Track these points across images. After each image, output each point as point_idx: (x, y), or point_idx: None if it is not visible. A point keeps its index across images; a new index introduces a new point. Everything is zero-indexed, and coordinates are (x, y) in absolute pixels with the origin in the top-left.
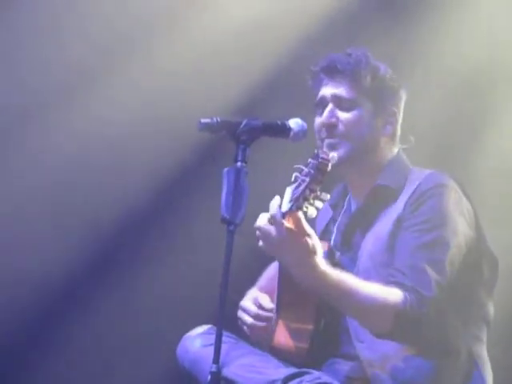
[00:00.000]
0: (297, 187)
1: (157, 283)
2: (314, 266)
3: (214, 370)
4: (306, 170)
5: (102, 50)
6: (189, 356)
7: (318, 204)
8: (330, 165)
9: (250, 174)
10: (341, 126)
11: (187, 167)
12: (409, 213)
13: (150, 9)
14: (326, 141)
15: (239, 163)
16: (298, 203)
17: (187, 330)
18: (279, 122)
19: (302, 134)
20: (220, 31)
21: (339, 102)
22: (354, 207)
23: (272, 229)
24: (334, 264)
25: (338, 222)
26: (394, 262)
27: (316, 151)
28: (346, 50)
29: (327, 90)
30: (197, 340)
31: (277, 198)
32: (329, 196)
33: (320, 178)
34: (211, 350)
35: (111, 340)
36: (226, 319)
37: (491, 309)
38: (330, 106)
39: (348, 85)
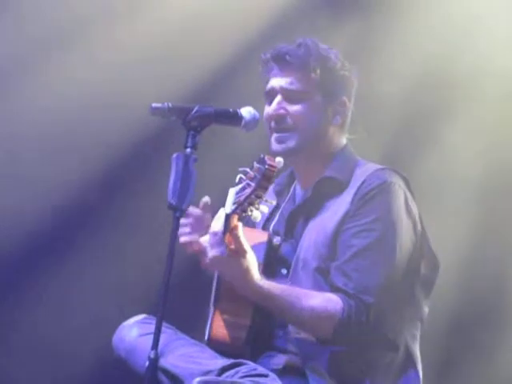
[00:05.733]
0: (241, 190)
1: (98, 269)
2: (251, 282)
3: (152, 355)
4: (251, 173)
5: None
6: (125, 345)
7: (263, 208)
8: (276, 171)
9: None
10: (289, 118)
11: (136, 152)
12: (355, 210)
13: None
14: (275, 134)
15: (188, 149)
16: (242, 207)
17: (126, 318)
18: (231, 110)
19: (254, 123)
20: (172, 19)
21: (288, 94)
22: (299, 196)
23: (210, 247)
24: (274, 250)
25: (281, 209)
26: (338, 258)
27: (262, 155)
28: (295, 40)
29: (276, 82)
30: (133, 329)
31: (220, 218)
32: (275, 202)
33: (266, 184)
34: (148, 339)
35: (48, 326)
36: (166, 308)
37: (426, 308)
38: (279, 97)
39: (297, 77)
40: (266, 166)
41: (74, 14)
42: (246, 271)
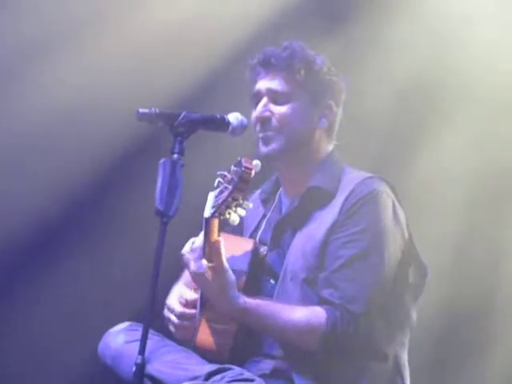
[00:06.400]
0: (219, 193)
1: (85, 275)
2: (228, 300)
3: (139, 361)
4: (228, 176)
5: (36, 40)
6: (111, 352)
7: (241, 211)
8: (253, 173)
9: (186, 167)
10: (274, 120)
11: (122, 158)
12: (343, 220)
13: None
14: (260, 135)
15: (176, 155)
16: (220, 210)
17: (113, 324)
18: (218, 116)
19: (241, 128)
20: (160, 24)
21: (274, 96)
22: (286, 205)
23: (191, 262)
24: (259, 260)
25: (267, 217)
26: (326, 268)
27: (239, 158)
28: (282, 44)
29: (262, 84)
30: (120, 336)
31: (201, 235)
32: (251, 205)
33: (243, 186)
34: (134, 346)
35: (33, 333)
36: (153, 315)
37: (415, 314)
38: (265, 99)
39: (282, 78)
40: (243, 169)
41: (66, 19)
42: (222, 289)
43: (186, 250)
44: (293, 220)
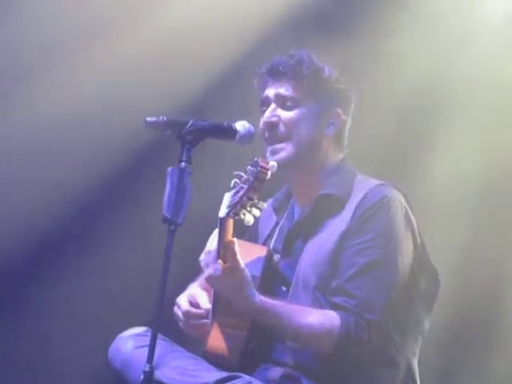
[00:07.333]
0: (235, 193)
1: (94, 280)
2: (246, 299)
3: (147, 369)
4: (245, 176)
5: (43, 46)
6: (121, 357)
7: (255, 212)
8: (269, 173)
9: (194, 175)
10: (282, 126)
11: (130, 166)
12: (355, 227)
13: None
14: (269, 147)
15: (183, 163)
16: (235, 210)
17: (122, 330)
18: (225, 124)
19: (249, 137)
20: (168, 30)
21: (282, 101)
22: (297, 213)
23: (207, 265)
24: (272, 267)
25: (280, 225)
26: (339, 276)
27: (256, 158)
28: (289, 52)
29: (270, 91)
30: (129, 341)
31: (215, 237)
32: (266, 205)
33: (258, 186)
34: (143, 351)
35: (45, 338)
36: (161, 321)
37: (427, 324)
38: (273, 105)
39: (290, 84)
40: (259, 168)
41: (75, 24)
42: (239, 288)
43: (207, 248)
44: (304, 228)
